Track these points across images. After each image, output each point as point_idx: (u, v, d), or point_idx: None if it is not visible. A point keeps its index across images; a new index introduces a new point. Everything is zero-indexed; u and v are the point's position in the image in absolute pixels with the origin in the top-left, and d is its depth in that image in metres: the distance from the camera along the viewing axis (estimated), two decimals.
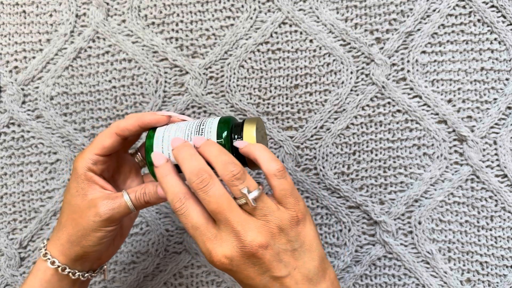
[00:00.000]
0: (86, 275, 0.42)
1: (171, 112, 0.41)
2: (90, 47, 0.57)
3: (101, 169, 0.41)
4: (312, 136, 0.55)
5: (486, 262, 0.53)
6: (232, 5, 0.55)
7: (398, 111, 0.54)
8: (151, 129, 0.40)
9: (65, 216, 0.41)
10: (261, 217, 0.35)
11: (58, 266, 0.40)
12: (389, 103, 0.54)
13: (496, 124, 0.53)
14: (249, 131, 0.38)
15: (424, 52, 0.54)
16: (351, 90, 0.55)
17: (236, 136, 0.38)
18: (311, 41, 0.55)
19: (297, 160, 0.55)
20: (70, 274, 0.41)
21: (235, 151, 0.38)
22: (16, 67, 0.57)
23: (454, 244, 0.54)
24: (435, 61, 0.54)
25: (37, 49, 0.57)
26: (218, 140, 0.37)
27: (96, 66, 0.56)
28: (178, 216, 0.36)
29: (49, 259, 0.40)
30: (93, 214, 0.39)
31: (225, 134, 0.38)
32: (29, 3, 0.57)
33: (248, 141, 0.38)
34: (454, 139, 0.54)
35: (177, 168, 0.38)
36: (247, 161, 0.38)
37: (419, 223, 0.54)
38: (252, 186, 0.35)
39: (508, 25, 0.53)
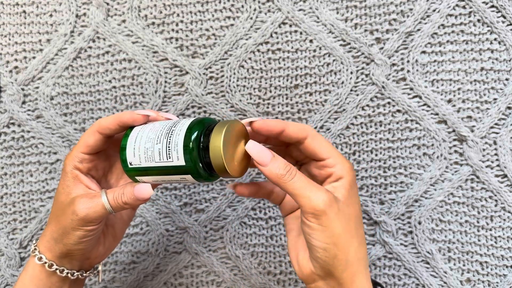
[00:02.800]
0: (76, 274, 0.41)
1: (150, 111, 0.40)
2: (90, 47, 0.57)
3: (87, 167, 0.41)
4: None
5: (486, 262, 0.53)
6: (232, 5, 0.55)
7: (398, 111, 0.54)
8: (130, 128, 0.40)
9: (52, 213, 0.41)
10: None
11: (45, 263, 0.40)
12: (389, 103, 0.54)
13: (496, 124, 0.53)
14: (217, 137, 0.35)
15: (424, 52, 0.54)
16: (351, 90, 0.55)
17: (202, 141, 0.36)
18: (311, 41, 0.55)
19: None
20: (58, 271, 0.40)
21: (203, 157, 0.36)
22: (16, 67, 0.57)
23: (454, 244, 0.54)
24: (435, 61, 0.54)
25: (37, 49, 0.57)
26: (185, 144, 0.35)
27: (96, 66, 0.56)
28: None
29: (36, 255, 0.41)
30: (70, 212, 0.39)
31: (194, 137, 0.35)
32: (29, 3, 0.57)
33: (214, 148, 0.35)
34: (454, 139, 0.54)
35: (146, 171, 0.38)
36: (215, 169, 0.36)
37: (419, 223, 0.54)
38: None
39: (508, 25, 0.53)
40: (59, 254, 0.40)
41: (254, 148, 0.36)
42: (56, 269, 0.40)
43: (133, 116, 0.39)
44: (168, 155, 0.36)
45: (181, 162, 0.36)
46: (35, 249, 0.41)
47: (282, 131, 0.37)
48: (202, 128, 0.36)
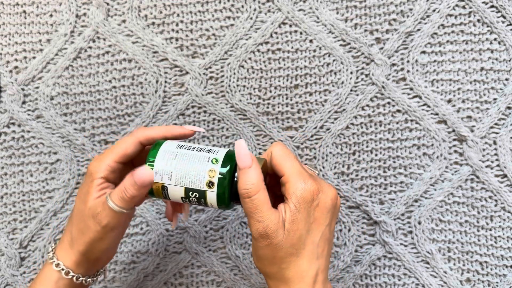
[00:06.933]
0: (88, 280, 0.42)
1: (198, 128, 0.42)
2: (90, 47, 0.57)
3: (117, 177, 0.40)
4: (312, 136, 0.55)
5: (486, 262, 0.53)
6: (232, 5, 0.55)
7: (398, 111, 0.54)
8: (156, 143, 0.40)
9: (72, 221, 0.40)
10: None
11: (62, 269, 0.40)
12: (389, 103, 0.54)
13: (496, 124, 0.53)
14: None
15: (424, 52, 0.54)
16: (351, 90, 0.55)
17: (237, 174, 0.39)
18: (311, 41, 0.55)
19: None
20: (74, 278, 0.41)
21: (234, 187, 0.38)
22: (16, 67, 0.57)
23: (454, 244, 0.54)
24: (435, 61, 0.54)
25: (37, 49, 0.57)
26: (219, 176, 0.38)
27: (96, 66, 0.56)
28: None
29: (54, 261, 0.40)
30: (93, 224, 0.38)
31: (227, 168, 0.38)
32: (29, 3, 0.57)
33: None
34: (454, 139, 0.54)
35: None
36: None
37: (419, 223, 0.54)
38: None
39: (508, 25, 0.53)
40: (80, 262, 0.40)
41: (242, 149, 0.37)
42: (73, 276, 0.40)
43: (184, 131, 0.41)
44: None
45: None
46: (53, 256, 0.41)
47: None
48: (234, 161, 0.39)
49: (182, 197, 0.39)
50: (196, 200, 0.39)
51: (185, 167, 0.38)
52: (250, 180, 0.36)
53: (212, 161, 0.38)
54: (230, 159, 0.39)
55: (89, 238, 0.39)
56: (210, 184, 0.38)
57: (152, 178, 0.38)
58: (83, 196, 0.39)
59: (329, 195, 0.39)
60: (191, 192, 0.38)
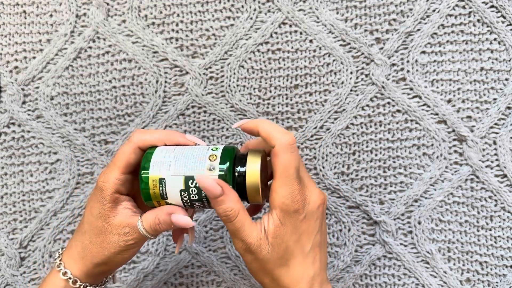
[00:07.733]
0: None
1: (198, 139, 0.41)
2: (90, 47, 0.57)
3: (127, 187, 0.40)
4: (312, 136, 0.55)
5: (485, 262, 0.53)
6: (232, 5, 0.55)
7: (398, 111, 0.54)
8: (150, 148, 0.40)
9: (89, 238, 0.40)
10: None
11: (70, 278, 0.40)
12: (388, 103, 0.54)
13: (495, 124, 0.53)
14: (254, 164, 0.38)
15: (424, 52, 0.54)
16: (351, 90, 0.55)
17: (239, 168, 0.38)
18: (311, 41, 0.55)
19: None
20: (81, 287, 0.41)
21: (235, 182, 0.38)
22: (16, 67, 0.57)
23: (453, 244, 0.54)
24: (434, 61, 0.54)
25: (37, 49, 0.57)
26: (220, 172, 0.37)
27: (96, 66, 0.56)
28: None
29: (61, 270, 0.40)
30: (118, 241, 0.39)
31: (227, 165, 0.37)
32: (29, 3, 0.57)
33: (252, 174, 0.38)
34: (454, 139, 0.54)
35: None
36: (247, 196, 0.38)
37: (419, 223, 0.54)
38: None
39: (507, 25, 0.53)
40: (92, 274, 0.41)
41: (206, 181, 0.36)
42: (80, 285, 0.41)
43: (185, 141, 0.40)
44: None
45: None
46: (60, 264, 0.41)
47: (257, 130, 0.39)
48: (234, 156, 0.38)
49: (181, 190, 0.38)
50: (196, 192, 0.38)
51: (184, 156, 0.38)
52: (227, 207, 0.36)
53: (212, 148, 0.38)
54: (228, 155, 0.38)
55: (110, 252, 0.39)
56: (212, 168, 0.37)
57: (191, 225, 0.39)
58: (98, 212, 0.39)
59: (316, 203, 0.38)
60: (191, 181, 0.37)
